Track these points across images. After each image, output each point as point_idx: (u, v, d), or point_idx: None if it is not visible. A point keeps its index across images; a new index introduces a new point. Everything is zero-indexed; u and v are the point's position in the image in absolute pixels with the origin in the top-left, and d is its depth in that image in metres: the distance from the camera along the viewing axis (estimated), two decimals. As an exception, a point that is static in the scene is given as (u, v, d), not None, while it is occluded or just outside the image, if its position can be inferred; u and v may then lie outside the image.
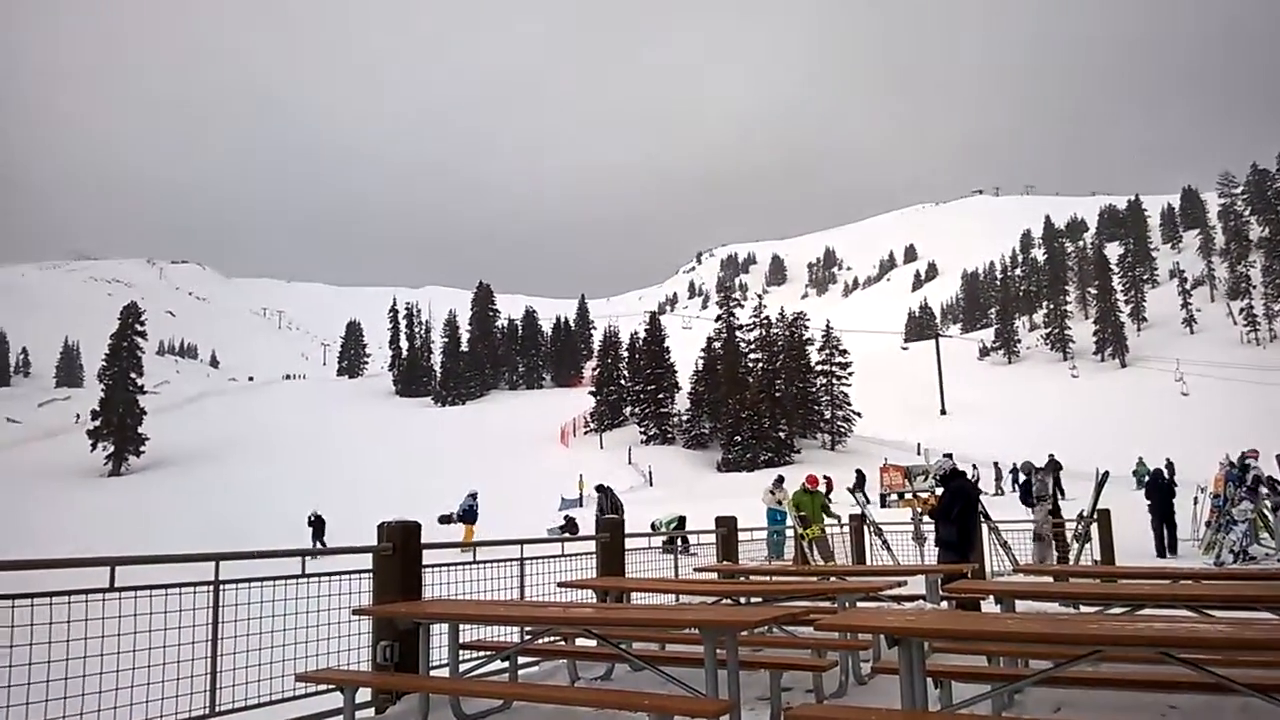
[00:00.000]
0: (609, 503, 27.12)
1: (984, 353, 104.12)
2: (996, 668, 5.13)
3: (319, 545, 18.76)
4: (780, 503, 18.80)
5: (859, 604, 6.29)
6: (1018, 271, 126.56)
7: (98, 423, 64.89)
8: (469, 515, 24.35)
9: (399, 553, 5.94)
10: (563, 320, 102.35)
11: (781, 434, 57.90)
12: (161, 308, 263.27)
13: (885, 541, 14.58)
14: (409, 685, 5.36)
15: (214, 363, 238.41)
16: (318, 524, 23.33)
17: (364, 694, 5.45)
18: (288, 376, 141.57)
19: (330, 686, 5.14)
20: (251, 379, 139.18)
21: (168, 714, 4.63)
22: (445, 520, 25.27)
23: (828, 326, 68.80)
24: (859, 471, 36.90)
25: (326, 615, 5.35)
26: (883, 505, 32.93)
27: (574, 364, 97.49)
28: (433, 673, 5.57)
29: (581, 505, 29.66)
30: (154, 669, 4.53)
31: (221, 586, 5.01)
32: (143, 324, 71.38)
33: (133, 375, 68.07)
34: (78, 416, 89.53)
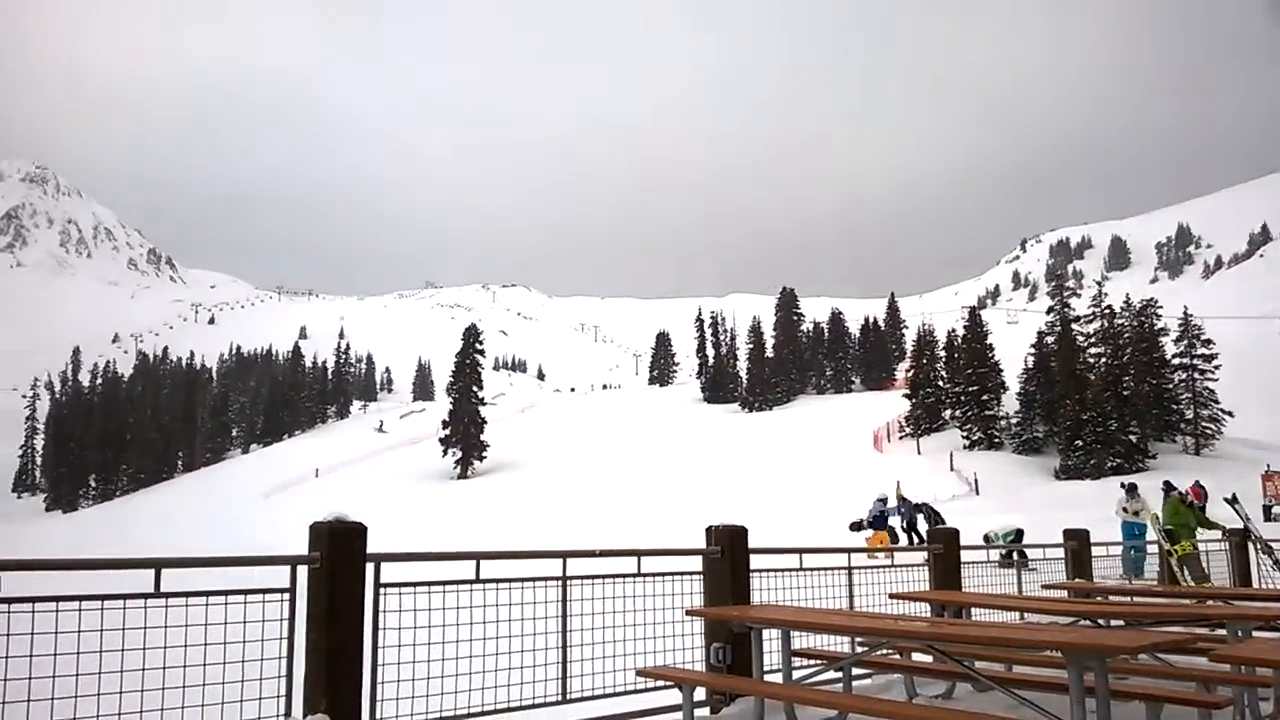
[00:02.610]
0: (932, 518, 25.93)
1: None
2: None
3: None
4: (1137, 514, 16.91)
5: (1254, 633, 5.46)
6: None
7: (447, 431, 72.35)
8: (879, 521, 24.36)
9: (727, 556, 6.00)
10: (871, 321, 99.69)
11: (1132, 437, 52.34)
12: (496, 327, 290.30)
13: (1278, 560, 12.61)
14: (744, 688, 5.37)
15: (540, 375, 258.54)
16: None
17: (699, 693, 5.55)
18: (604, 386, 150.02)
19: (668, 683, 5.25)
20: (573, 390, 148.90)
21: (526, 698, 4.96)
22: (856, 527, 25.46)
23: (1185, 314, 61.24)
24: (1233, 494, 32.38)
25: (659, 614, 5.51)
26: (1266, 519, 28.73)
27: (885, 366, 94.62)
28: (766, 677, 5.55)
29: (901, 513, 28.65)
30: (513, 655, 4.89)
31: (569, 582, 5.31)
32: (481, 343, 78.72)
33: (474, 389, 75.11)
34: (380, 424, 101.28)
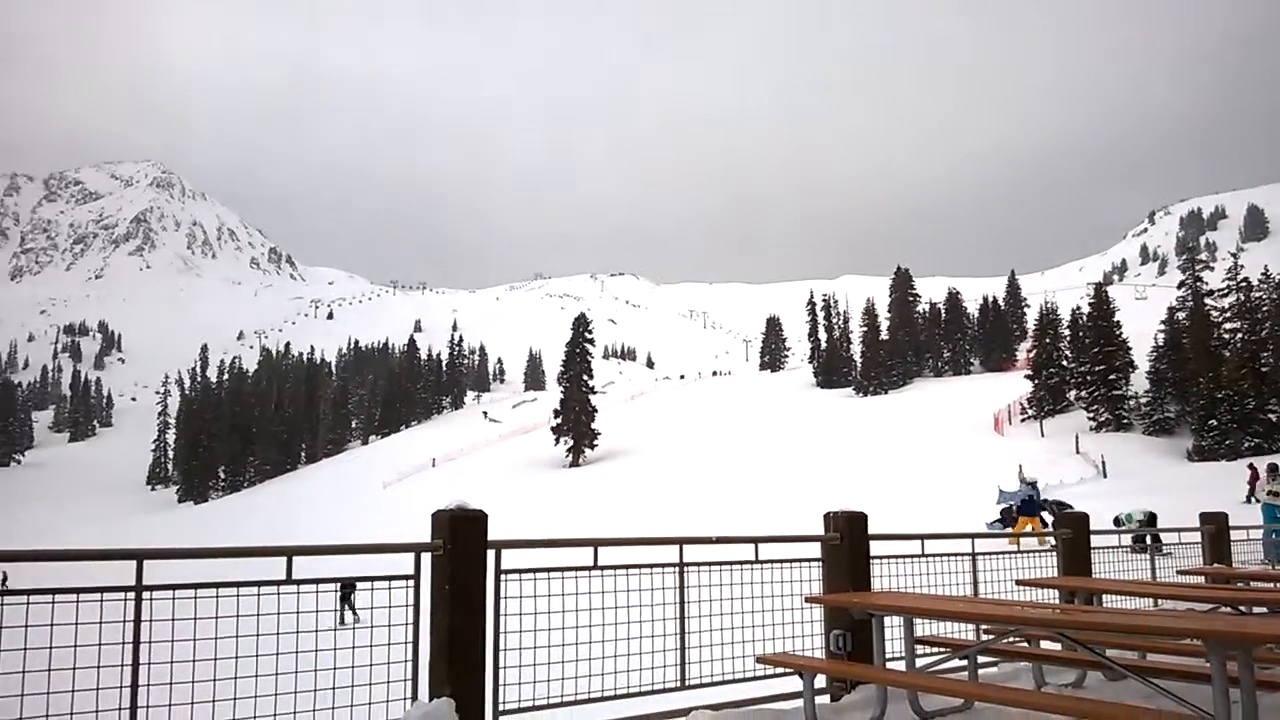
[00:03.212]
0: (1056, 506, 24.90)
1: None
2: None
3: (348, 610, 18.61)
4: (1278, 495, 15.95)
5: None
6: None
7: (559, 420, 73.44)
8: (1028, 506, 23.60)
9: (846, 542, 5.92)
10: (990, 300, 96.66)
11: (1271, 416, 49.26)
12: (604, 316, 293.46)
13: None
14: (866, 675, 5.27)
15: (649, 363, 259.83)
16: (348, 588, 20.27)
17: (819, 680, 5.47)
18: (714, 373, 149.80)
19: (788, 670, 5.21)
20: (683, 377, 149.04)
21: (645, 684, 4.99)
22: (1006, 514, 24.66)
23: (1332, 284, 57.21)
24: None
25: (777, 601, 5.48)
26: None
27: (1005, 346, 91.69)
28: (888, 665, 5.44)
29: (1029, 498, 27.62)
30: (632, 641, 4.91)
31: (686, 568, 5.30)
32: (590, 332, 79.49)
33: (584, 378, 76.02)
34: (485, 414, 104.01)
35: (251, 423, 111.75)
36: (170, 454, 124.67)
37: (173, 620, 3.74)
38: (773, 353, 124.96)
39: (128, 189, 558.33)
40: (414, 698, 4.27)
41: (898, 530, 6.66)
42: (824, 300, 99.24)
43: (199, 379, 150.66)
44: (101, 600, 3.60)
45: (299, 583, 4.04)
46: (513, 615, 4.59)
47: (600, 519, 40.46)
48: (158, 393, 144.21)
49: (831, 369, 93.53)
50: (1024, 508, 23.31)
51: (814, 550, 5.98)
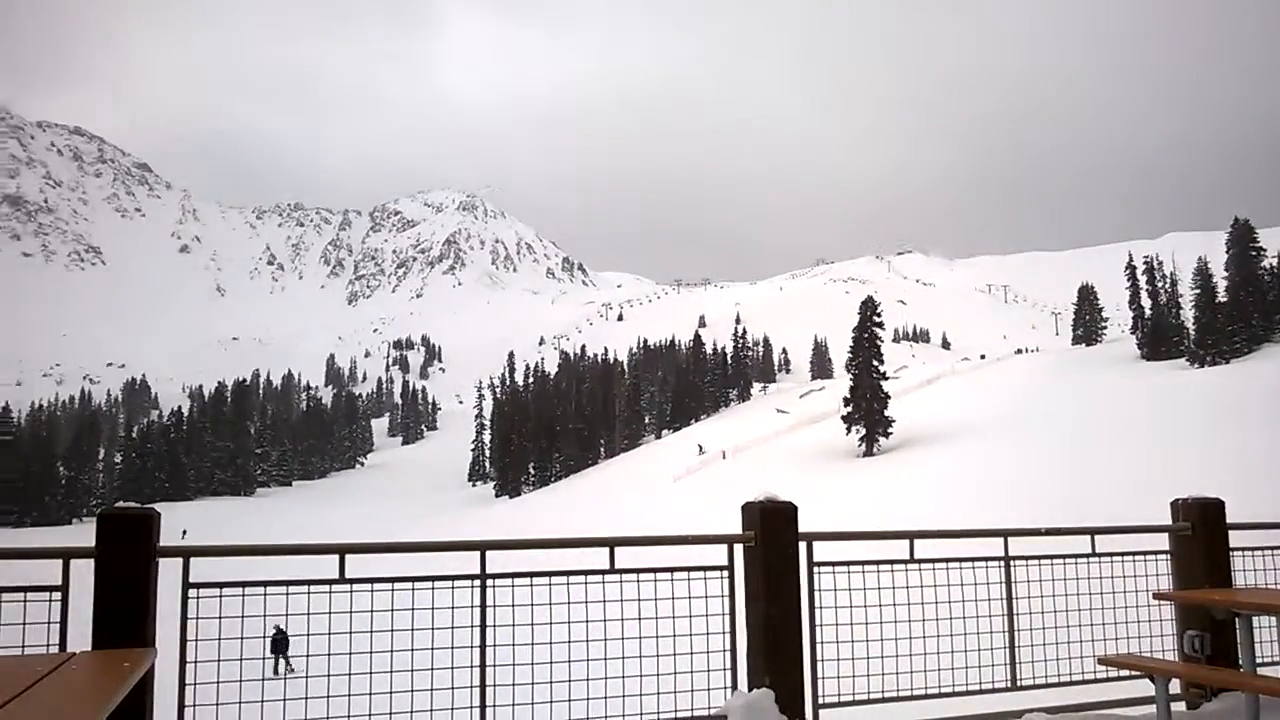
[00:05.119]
0: None
1: None
2: None
3: (283, 661, 17.74)
4: None
5: None
6: None
7: (849, 409, 71.82)
8: None
9: (1199, 533, 5.30)
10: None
11: None
12: (893, 298, 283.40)
13: None
14: (1232, 682, 4.72)
15: (945, 344, 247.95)
16: (281, 641, 19.35)
17: (1173, 685, 4.96)
18: (1019, 351, 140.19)
19: (1134, 673, 4.76)
20: (983, 357, 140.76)
21: (972, 683, 4.77)
22: None
23: None
24: None
25: (1116, 597, 5.05)
26: None
27: (1384, 301, 78.00)
28: (1259, 671, 4.80)
29: None
30: (955, 638, 4.68)
31: (1012, 562, 4.99)
32: (879, 315, 76.89)
33: (874, 363, 73.66)
34: (778, 409, 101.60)
35: (555, 421, 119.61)
36: (487, 452, 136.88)
37: (512, 606, 4.05)
38: (1087, 325, 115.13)
39: (438, 214, 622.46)
40: (734, 686, 4.32)
41: (1259, 519, 5.84)
42: (1146, 262, 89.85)
43: (508, 383, 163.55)
44: (453, 588, 3.97)
45: (621, 572, 4.22)
46: (827, 608, 4.53)
47: (902, 510, 39.22)
48: (480, 396, 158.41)
49: (1159, 339, 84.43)
50: None
51: (1158, 542, 5.44)
